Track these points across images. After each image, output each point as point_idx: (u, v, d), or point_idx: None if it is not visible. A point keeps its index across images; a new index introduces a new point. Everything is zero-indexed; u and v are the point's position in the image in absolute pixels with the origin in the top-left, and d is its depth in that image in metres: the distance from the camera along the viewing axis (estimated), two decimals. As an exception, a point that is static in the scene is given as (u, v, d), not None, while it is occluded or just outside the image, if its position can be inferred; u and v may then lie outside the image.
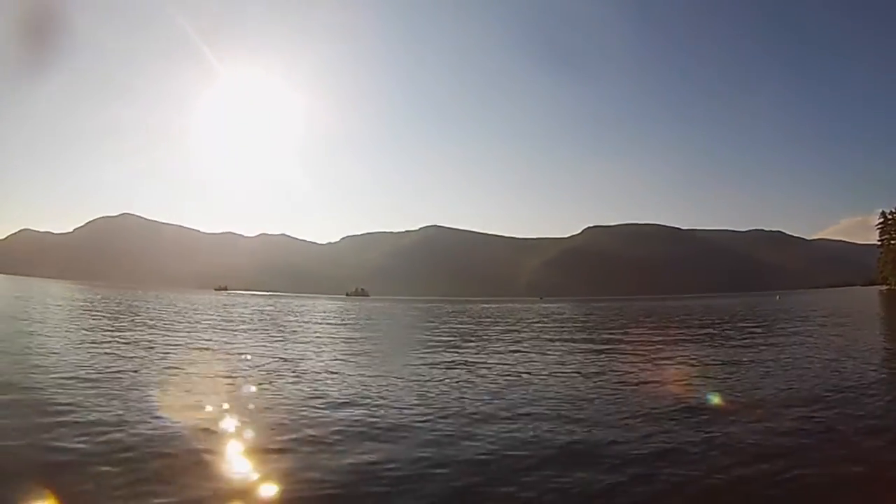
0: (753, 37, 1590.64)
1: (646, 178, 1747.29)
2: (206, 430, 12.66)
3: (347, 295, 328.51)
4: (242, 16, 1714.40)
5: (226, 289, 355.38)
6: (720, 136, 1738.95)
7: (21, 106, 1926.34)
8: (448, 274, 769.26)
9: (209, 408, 14.80)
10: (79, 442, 11.36)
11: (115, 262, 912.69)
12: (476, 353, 28.89)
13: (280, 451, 11.44)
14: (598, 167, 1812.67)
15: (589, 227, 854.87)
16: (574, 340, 36.93)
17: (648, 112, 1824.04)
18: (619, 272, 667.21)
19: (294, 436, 12.26)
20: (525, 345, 33.60)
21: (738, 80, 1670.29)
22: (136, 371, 20.74)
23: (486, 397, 16.88)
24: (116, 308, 66.29)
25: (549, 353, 29.17)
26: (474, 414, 14.71)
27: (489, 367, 23.54)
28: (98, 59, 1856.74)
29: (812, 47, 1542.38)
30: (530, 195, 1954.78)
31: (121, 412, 13.98)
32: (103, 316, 50.97)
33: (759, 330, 44.13)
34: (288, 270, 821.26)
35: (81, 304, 72.30)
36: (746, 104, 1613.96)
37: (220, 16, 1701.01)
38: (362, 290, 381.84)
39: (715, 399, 16.63)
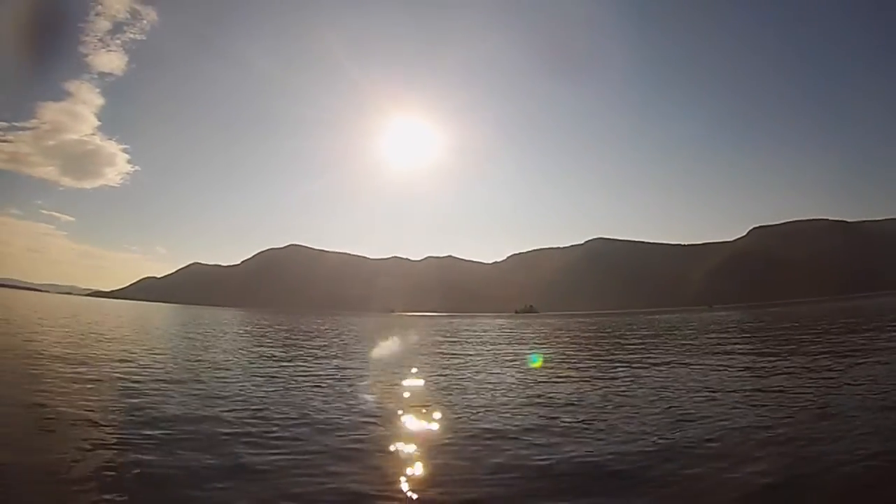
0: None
1: (807, 170, 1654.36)
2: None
3: (516, 312, 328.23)
4: (400, 62, 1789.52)
5: (394, 311, 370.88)
6: (876, 114, 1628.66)
7: (192, 148, 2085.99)
8: (615, 286, 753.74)
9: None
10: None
11: (281, 290, 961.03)
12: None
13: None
14: (757, 163, 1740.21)
15: (754, 228, 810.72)
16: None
17: (799, 101, 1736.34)
18: (788, 274, 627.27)
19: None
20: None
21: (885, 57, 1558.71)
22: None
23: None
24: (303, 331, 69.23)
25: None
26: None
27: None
28: (276, 100, 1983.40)
29: None
30: (693, 198, 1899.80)
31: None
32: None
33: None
34: (455, 291, 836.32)
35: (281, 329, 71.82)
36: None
37: (385, 64, 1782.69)
38: (531, 306, 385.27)
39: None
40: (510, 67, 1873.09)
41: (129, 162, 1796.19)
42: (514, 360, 28.13)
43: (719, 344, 39.16)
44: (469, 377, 24.93)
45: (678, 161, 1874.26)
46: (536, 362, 18.36)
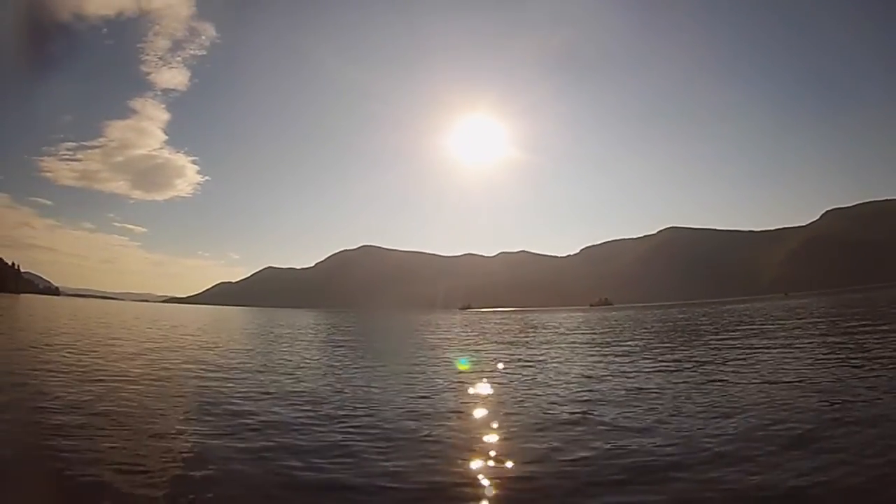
0: None
1: (881, 149, 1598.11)
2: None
3: (591, 306, 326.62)
4: (468, 57, 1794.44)
5: (469, 307, 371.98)
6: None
7: (260, 154, 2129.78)
8: (690, 276, 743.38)
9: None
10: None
11: (356, 290, 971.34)
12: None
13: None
14: (829, 143, 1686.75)
15: (828, 211, 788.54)
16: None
17: (866, 76, 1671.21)
18: (867, 257, 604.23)
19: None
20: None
21: None
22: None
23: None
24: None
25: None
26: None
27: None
28: (343, 100, 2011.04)
29: None
30: (763, 182, 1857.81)
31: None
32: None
33: None
34: (529, 285, 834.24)
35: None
36: None
37: (453, 60, 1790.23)
38: (605, 299, 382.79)
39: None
40: (580, 60, 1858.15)
41: (198, 172, 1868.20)
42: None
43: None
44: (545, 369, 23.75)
45: (748, 144, 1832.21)
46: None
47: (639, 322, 68.13)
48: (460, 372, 19.03)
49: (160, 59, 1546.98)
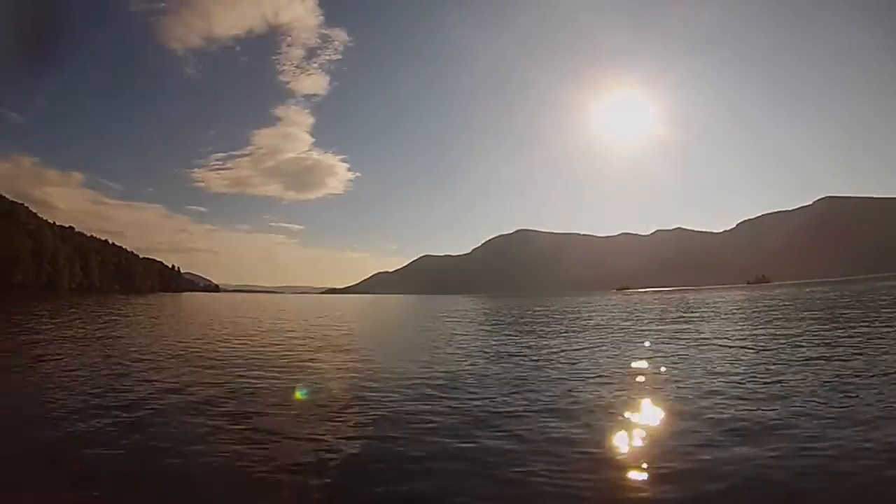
0: None
1: None
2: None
3: (748, 283, 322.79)
4: (617, 33, 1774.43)
5: (627, 288, 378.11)
6: None
7: (408, 145, 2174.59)
8: (847, 248, 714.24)
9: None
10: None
11: (512, 274, 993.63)
12: None
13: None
14: None
15: None
16: None
17: None
18: None
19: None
20: None
21: None
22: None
23: None
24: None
25: None
26: None
27: None
28: (486, 81, 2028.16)
29: None
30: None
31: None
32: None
33: None
34: (686, 263, 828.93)
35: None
36: None
37: (599, 47, 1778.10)
38: (763, 276, 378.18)
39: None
40: (729, 34, 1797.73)
41: (349, 170, 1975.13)
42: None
43: None
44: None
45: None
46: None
47: (805, 304, 56.26)
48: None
49: (297, 67, 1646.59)
